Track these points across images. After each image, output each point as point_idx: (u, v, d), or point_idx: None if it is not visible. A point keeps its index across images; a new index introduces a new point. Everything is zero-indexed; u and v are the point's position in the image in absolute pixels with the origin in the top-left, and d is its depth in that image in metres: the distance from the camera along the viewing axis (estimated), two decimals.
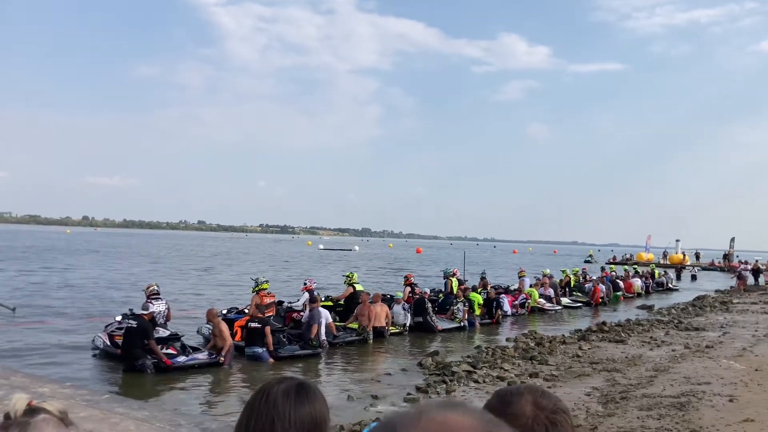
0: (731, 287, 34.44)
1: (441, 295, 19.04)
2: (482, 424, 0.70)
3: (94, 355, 12.20)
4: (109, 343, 11.95)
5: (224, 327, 11.76)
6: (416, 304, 16.60)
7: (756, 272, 37.03)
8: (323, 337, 13.17)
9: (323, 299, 15.48)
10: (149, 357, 10.67)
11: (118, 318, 12.44)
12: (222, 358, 11.32)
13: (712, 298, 27.38)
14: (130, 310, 12.85)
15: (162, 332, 11.75)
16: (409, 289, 18.28)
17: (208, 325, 12.75)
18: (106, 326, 12.71)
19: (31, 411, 1.45)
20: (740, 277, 35.87)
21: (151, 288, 12.78)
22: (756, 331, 16.11)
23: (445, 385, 9.84)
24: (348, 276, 16.92)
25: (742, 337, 14.90)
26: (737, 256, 58.85)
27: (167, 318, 12.61)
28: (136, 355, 10.60)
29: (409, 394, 9.39)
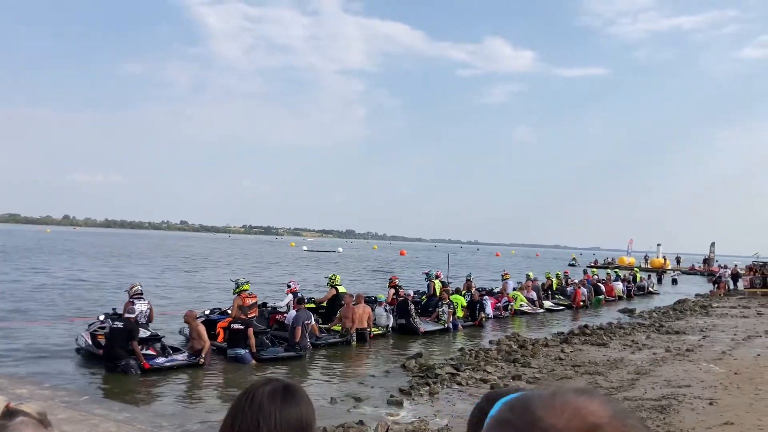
0: (711, 291, 34.89)
1: (424, 297, 19.06)
2: (615, 413, 0.70)
3: (78, 351, 12.06)
4: (91, 343, 11.83)
5: (202, 329, 11.70)
6: (399, 306, 16.60)
7: (735, 277, 37.49)
8: (307, 340, 13.10)
9: (306, 301, 15.41)
10: (132, 357, 10.57)
11: (101, 317, 12.32)
12: (202, 360, 11.26)
13: (693, 302, 27.69)
14: (114, 309, 12.73)
15: (143, 333, 11.65)
16: (393, 291, 18.27)
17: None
18: (89, 326, 12.59)
19: (9, 413, 1.41)
20: (718, 281, 36.36)
21: (135, 288, 12.67)
22: (735, 334, 16.31)
23: (428, 387, 9.82)
24: (331, 278, 16.88)
25: (722, 341, 15.08)
26: (717, 261, 59.55)
27: (149, 318, 12.51)
28: (119, 355, 10.49)
29: (392, 396, 9.36)
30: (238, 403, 1.51)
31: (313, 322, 13.78)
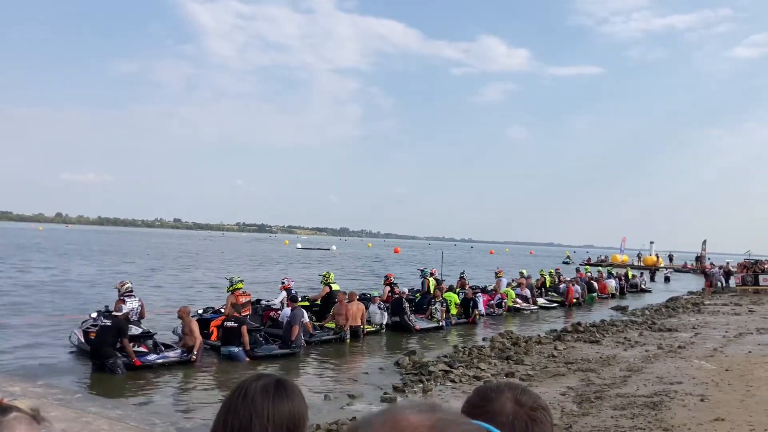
0: (702, 289, 35.09)
1: (418, 294, 19.09)
2: (434, 425, 0.75)
3: (71, 353, 12.04)
4: (83, 340, 11.82)
5: (195, 325, 11.68)
6: (394, 304, 16.63)
7: (727, 274, 37.70)
8: (301, 337, 13.10)
9: (300, 299, 15.41)
10: (120, 356, 10.52)
11: (93, 315, 12.32)
12: (194, 357, 11.23)
13: (685, 299, 27.85)
14: (105, 307, 12.70)
15: (135, 330, 11.62)
16: (388, 288, 18.31)
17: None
18: (82, 323, 12.58)
19: (2, 409, 1.42)
20: (707, 279, 36.61)
21: (126, 285, 12.63)
22: (726, 332, 16.40)
23: (422, 385, 9.85)
24: (324, 275, 16.88)
25: (713, 338, 15.17)
26: (709, 258, 59.87)
27: (141, 315, 12.49)
28: (107, 353, 10.42)
29: (386, 393, 9.39)
30: (230, 399, 1.52)
31: (307, 320, 13.78)
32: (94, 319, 12.05)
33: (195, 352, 11.27)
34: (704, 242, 62.86)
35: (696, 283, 41.00)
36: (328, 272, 17.14)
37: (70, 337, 12.44)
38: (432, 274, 20.32)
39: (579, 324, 17.25)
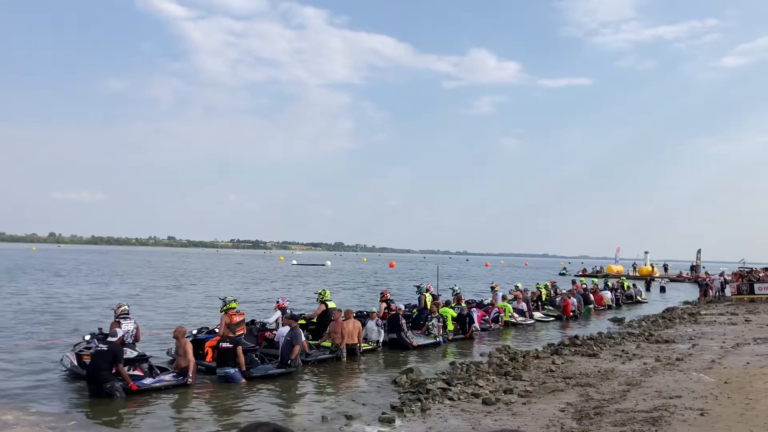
0: (699, 299, 35.14)
1: (415, 310, 19.02)
2: None
3: (65, 372, 11.91)
4: (76, 363, 11.70)
5: (189, 346, 11.57)
6: (390, 321, 16.55)
7: (722, 284, 37.77)
8: (299, 357, 12.99)
9: (297, 317, 15.31)
10: (117, 380, 10.41)
11: (87, 337, 12.20)
12: (189, 380, 11.12)
13: (681, 309, 27.85)
14: (99, 329, 12.57)
15: (130, 353, 11.51)
16: (384, 305, 18.22)
17: None
18: (75, 346, 12.45)
19: None
20: (701, 288, 36.69)
21: (122, 308, 12.54)
22: (724, 342, 16.39)
23: (420, 403, 9.75)
24: (320, 293, 16.79)
25: (711, 349, 15.14)
26: (704, 268, 60.06)
27: (136, 338, 12.38)
28: (104, 378, 10.32)
29: (384, 413, 9.29)
30: None
31: (303, 339, 13.69)
32: (88, 342, 11.92)
33: (190, 375, 11.16)
34: (699, 251, 63.11)
35: (692, 292, 41.06)
36: (324, 290, 17.06)
37: (62, 360, 12.30)
38: (428, 290, 20.26)
39: (576, 337, 17.20)
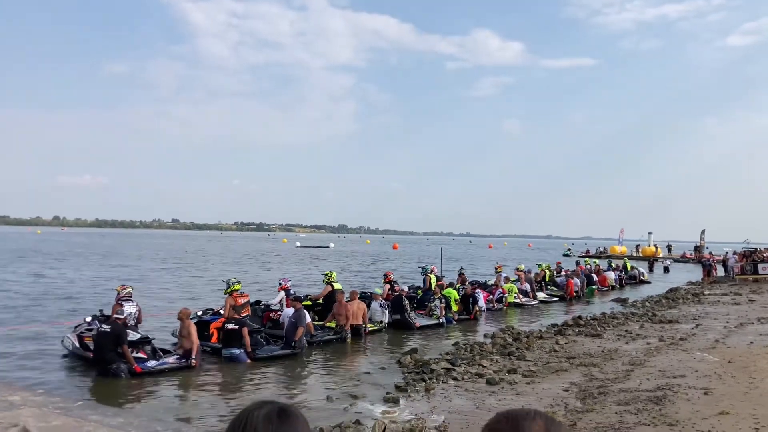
0: (702, 279, 35.12)
1: (419, 291, 19.06)
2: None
3: (65, 356, 11.97)
4: (78, 345, 11.74)
5: (193, 328, 11.57)
6: (394, 302, 16.59)
7: (725, 263, 37.69)
8: (304, 338, 13.05)
9: (302, 298, 15.36)
10: (123, 361, 10.46)
11: (88, 319, 12.22)
12: (194, 361, 11.14)
13: (685, 290, 27.84)
14: (101, 310, 12.61)
15: (132, 335, 11.54)
16: (388, 286, 18.27)
17: None
18: (76, 327, 12.47)
19: None
20: (705, 268, 36.63)
21: (126, 290, 12.55)
22: (727, 322, 16.40)
23: (424, 383, 9.80)
24: (327, 275, 16.83)
25: (715, 329, 15.15)
26: (707, 248, 59.94)
27: (138, 320, 12.37)
28: (110, 359, 10.39)
29: (388, 393, 9.34)
30: (232, 427, 1.46)
31: (309, 320, 13.74)
32: (89, 323, 11.95)
33: (194, 357, 11.19)
34: (703, 232, 62.92)
35: (695, 273, 41.04)
36: (330, 271, 17.11)
37: (63, 341, 12.32)
38: (432, 271, 20.28)
39: (580, 317, 17.23)
